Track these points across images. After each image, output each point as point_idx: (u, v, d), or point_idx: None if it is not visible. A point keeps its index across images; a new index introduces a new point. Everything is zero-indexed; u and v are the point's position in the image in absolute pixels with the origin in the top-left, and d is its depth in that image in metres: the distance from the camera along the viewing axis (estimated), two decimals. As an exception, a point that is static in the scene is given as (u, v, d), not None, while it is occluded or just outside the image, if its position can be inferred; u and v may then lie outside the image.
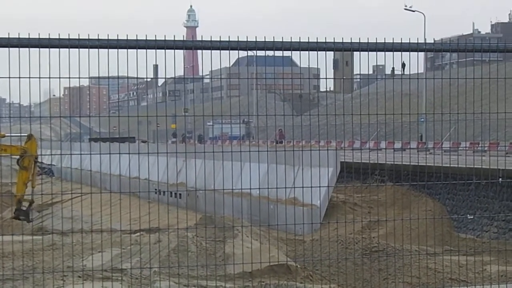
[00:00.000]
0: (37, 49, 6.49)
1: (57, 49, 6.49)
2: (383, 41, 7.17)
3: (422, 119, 55.22)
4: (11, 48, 6.43)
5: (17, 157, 31.48)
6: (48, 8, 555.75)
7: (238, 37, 6.78)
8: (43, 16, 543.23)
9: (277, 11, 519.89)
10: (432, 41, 7.54)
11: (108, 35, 6.51)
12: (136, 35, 6.52)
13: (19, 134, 30.72)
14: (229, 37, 6.71)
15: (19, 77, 6.61)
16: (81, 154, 43.67)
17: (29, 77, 6.62)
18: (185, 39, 6.99)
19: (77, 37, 6.45)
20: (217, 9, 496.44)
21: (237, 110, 40.73)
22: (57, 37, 6.44)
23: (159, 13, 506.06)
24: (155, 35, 6.52)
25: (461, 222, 27.07)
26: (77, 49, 6.55)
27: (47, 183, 44.82)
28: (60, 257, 14.47)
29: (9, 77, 6.60)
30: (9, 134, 30.72)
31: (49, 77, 6.64)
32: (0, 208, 36.10)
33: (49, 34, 6.39)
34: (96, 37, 6.49)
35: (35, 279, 11.23)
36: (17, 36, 6.36)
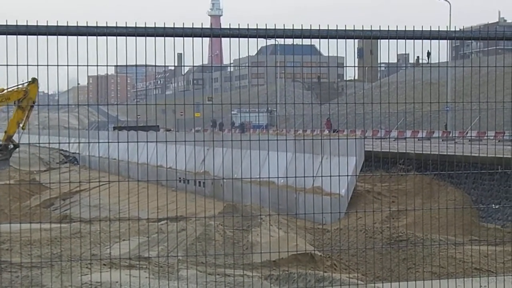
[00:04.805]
0: (65, 37, 6.51)
1: (85, 37, 6.51)
2: (412, 29, 7.15)
3: (448, 108, 54.98)
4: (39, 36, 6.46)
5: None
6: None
7: (266, 24, 6.77)
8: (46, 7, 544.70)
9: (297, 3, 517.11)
10: (458, 30, 7.50)
11: (136, 23, 6.52)
12: (164, 23, 6.52)
13: (22, 83, 31.36)
14: (257, 24, 6.71)
15: (47, 65, 6.64)
16: (108, 142, 43.80)
17: (57, 65, 6.65)
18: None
19: (105, 25, 6.46)
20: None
21: (262, 99, 40.66)
22: (85, 25, 6.46)
23: (182, 1, 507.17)
24: (183, 23, 6.53)
25: (486, 211, 26.94)
26: (104, 37, 6.57)
27: (73, 171, 45.09)
28: (86, 245, 14.56)
29: (37, 65, 6.64)
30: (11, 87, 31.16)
31: (77, 65, 6.66)
32: (28, 196, 36.38)
33: (77, 22, 6.41)
34: (124, 25, 6.50)
35: (62, 266, 11.30)
36: (45, 24, 6.38)
